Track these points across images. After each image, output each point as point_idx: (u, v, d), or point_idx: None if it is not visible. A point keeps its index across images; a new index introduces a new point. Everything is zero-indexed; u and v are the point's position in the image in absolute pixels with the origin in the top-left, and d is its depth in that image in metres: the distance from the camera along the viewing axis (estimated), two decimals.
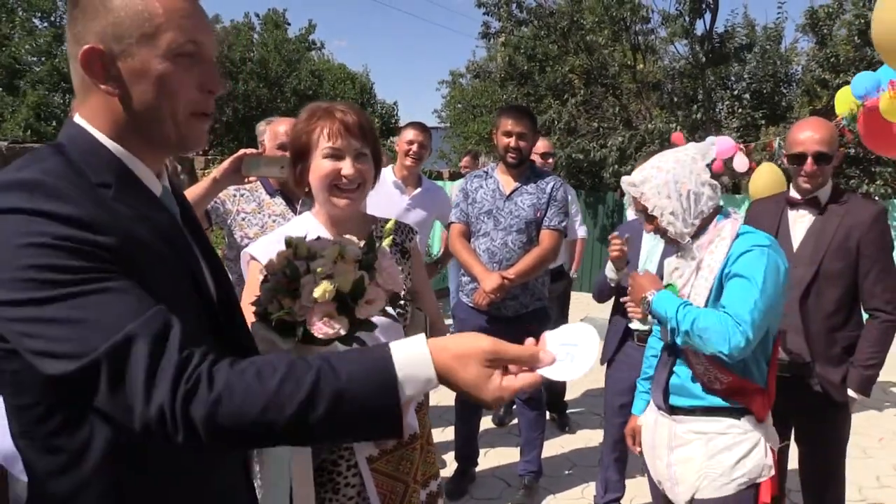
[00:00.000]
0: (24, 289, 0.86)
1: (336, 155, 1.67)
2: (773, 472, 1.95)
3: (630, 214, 2.33)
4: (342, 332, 1.28)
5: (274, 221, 2.69)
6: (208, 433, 0.85)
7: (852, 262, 2.52)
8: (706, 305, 1.93)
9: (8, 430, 1.04)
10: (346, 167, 1.67)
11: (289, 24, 17.19)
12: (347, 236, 1.44)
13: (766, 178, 4.99)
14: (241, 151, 2.27)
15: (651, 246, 3.05)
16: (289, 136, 2.71)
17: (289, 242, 1.37)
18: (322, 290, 1.25)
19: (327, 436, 0.91)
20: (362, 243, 1.40)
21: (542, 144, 4.74)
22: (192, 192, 2.37)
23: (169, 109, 1.02)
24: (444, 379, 0.93)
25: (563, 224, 3.44)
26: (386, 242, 1.50)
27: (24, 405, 0.99)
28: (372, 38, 72.26)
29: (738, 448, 1.94)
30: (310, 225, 1.77)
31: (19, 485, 1.84)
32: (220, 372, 0.86)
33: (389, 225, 1.53)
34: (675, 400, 2.05)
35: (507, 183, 3.45)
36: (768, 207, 2.77)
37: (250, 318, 1.36)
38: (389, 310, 1.40)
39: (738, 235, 1.97)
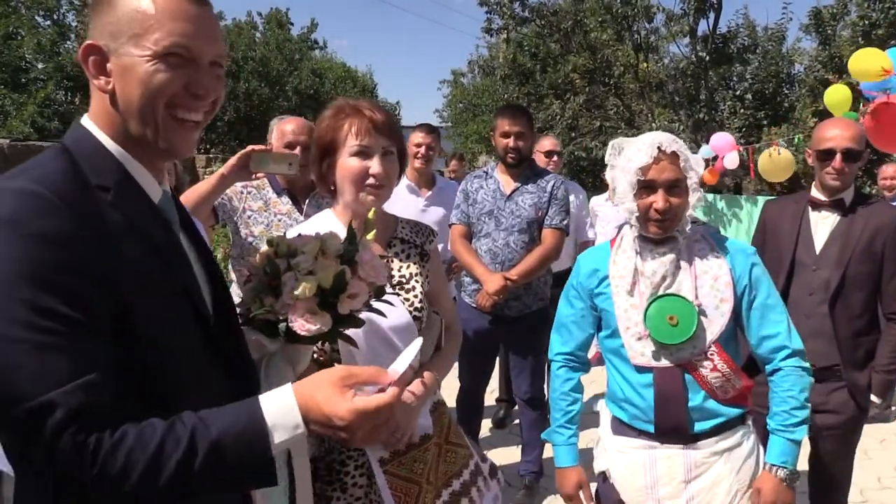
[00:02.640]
0: None
1: (364, 153, 1.66)
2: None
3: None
4: (324, 329, 1.25)
5: (280, 220, 2.69)
6: (101, 498, 0.89)
7: (877, 265, 2.50)
8: (727, 323, 1.82)
9: None
10: (375, 166, 1.66)
11: (292, 24, 17.20)
12: (330, 231, 1.41)
13: (774, 162, 5.18)
14: (249, 148, 2.25)
15: None
16: (303, 134, 2.68)
17: (270, 241, 1.36)
18: (302, 286, 1.23)
19: (207, 486, 0.93)
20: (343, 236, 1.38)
21: (548, 142, 4.69)
22: (199, 189, 2.36)
23: (150, 108, 1.02)
24: (308, 412, 0.97)
25: (565, 222, 3.43)
26: (370, 236, 1.46)
27: None
28: (373, 37, 72.33)
29: (755, 453, 1.89)
30: (330, 223, 1.75)
31: (9, 485, 1.84)
32: (102, 443, 0.88)
33: (370, 215, 1.50)
34: (698, 426, 1.84)
35: (507, 183, 3.44)
36: (787, 208, 2.72)
37: None
38: (375, 304, 1.37)
39: (711, 237, 1.90)
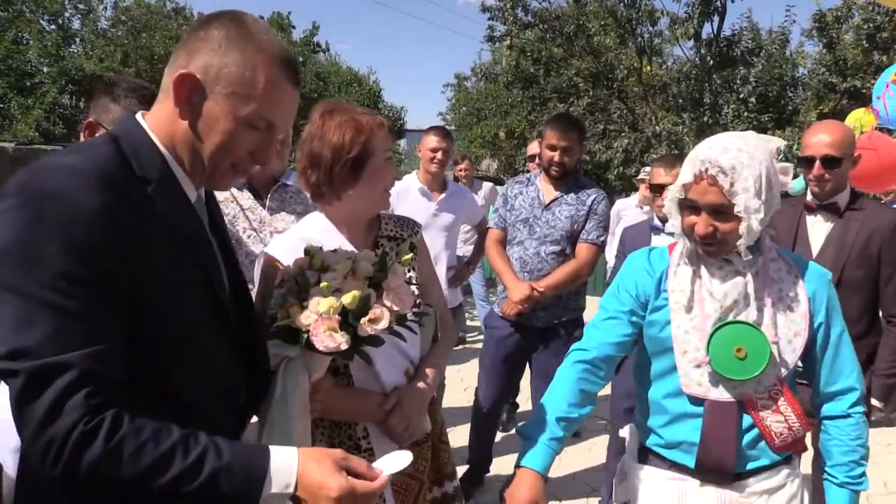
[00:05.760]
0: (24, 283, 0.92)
1: (390, 158, 1.77)
2: None
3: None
4: (343, 347, 1.30)
5: (242, 213, 2.68)
6: (90, 475, 0.93)
7: (874, 268, 2.49)
8: (797, 360, 1.63)
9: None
10: (394, 170, 1.78)
11: (293, 28, 17.20)
12: (366, 251, 1.48)
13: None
14: None
15: None
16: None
17: (308, 251, 1.42)
18: (327, 304, 1.29)
19: (199, 501, 0.99)
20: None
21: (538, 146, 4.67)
22: None
23: (217, 158, 1.12)
24: (303, 476, 1.05)
25: (602, 238, 3.35)
26: (404, 261, 1.52)
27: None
28: (377, 41, 72.45)
29: (798, 497, 1.71)
30: (322, 225, 1.80)
31: (8, 482, 1.83)
32: (121, 424, 0.94)
33: (407, 256, 1.55)
34: (741, 467, 1.65)
35: (547, 192, 3.38)
36: (784, 212, 2.70)
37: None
38: (398, 328, 1.42)
39: (789, 257, 1.70)
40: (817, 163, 2.50)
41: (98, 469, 0.92)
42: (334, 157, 1.68)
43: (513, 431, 4.61)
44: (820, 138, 2.52)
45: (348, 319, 1.31)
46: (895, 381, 2.50)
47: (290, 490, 1.03)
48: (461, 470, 3.81)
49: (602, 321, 1.76)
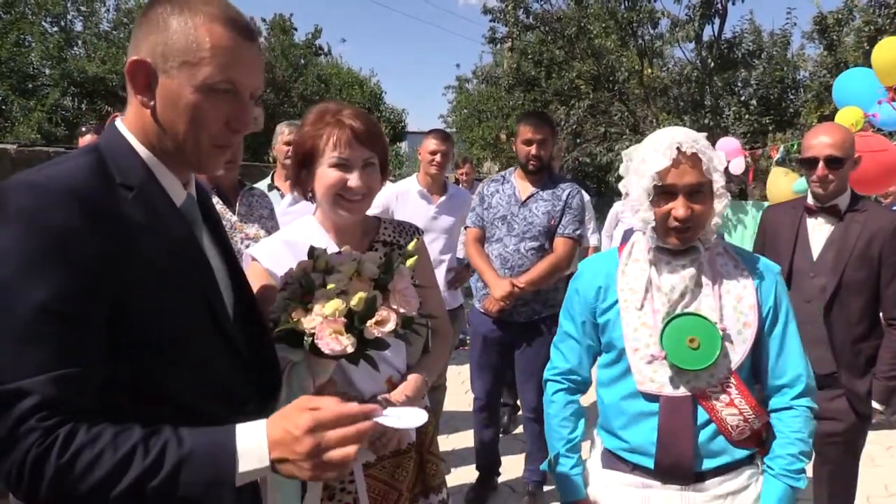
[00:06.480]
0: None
1: (344, 165, 1.62)
2: None
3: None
4: (349, 350, 1.29)
5: None
6: (52, 493, 0.91)
7: (874, 271, 2.49)
8: (748, 352, 1.64)
9: None
10: (353, 179, 1.62)
11: (295, 30, 17.25)
12: (370, 252, 1.44)
13: (782, 181, 5.03)
14: None
15: None
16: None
17: (311, 253, 1.39)
18: (333, 307, 1.27)
19: (167, 498, 0.95)
20: (382, 258, 1.39)
21: None
22: None
23: (192, 136, 1.08)
24: (273, 441, 0.98)
25: (578, 232, 3.43)
26: (409, 264, 1.48)
27: None
28: (377, 43, 72.59)
29: (761, 499, 1.70)
30: (311, 228, 1.76)
31: None
32: (74, 437, 0.91)
33: (412, 258, 1.50)
34: (702, 465, 1.64)
35: (523, 189, 3.45)
36: (786, 213, 2.73)
37: None
38: (402, 332, 1.40)
39: (734, 252, 1.73)
40: (821, 163, 2.49)
41: (58, 485, 0.90)
42: (296, 157, 1.70)
43: (515, 433, 4.62)
44: (822, 139, 2.52)
45: (354, 322, 1.30)
46: (895, 383, 2.49)
47: (266, 462, 0.98)
48: (462, 471, 3.83)
49: (562, 343, 1.87)
